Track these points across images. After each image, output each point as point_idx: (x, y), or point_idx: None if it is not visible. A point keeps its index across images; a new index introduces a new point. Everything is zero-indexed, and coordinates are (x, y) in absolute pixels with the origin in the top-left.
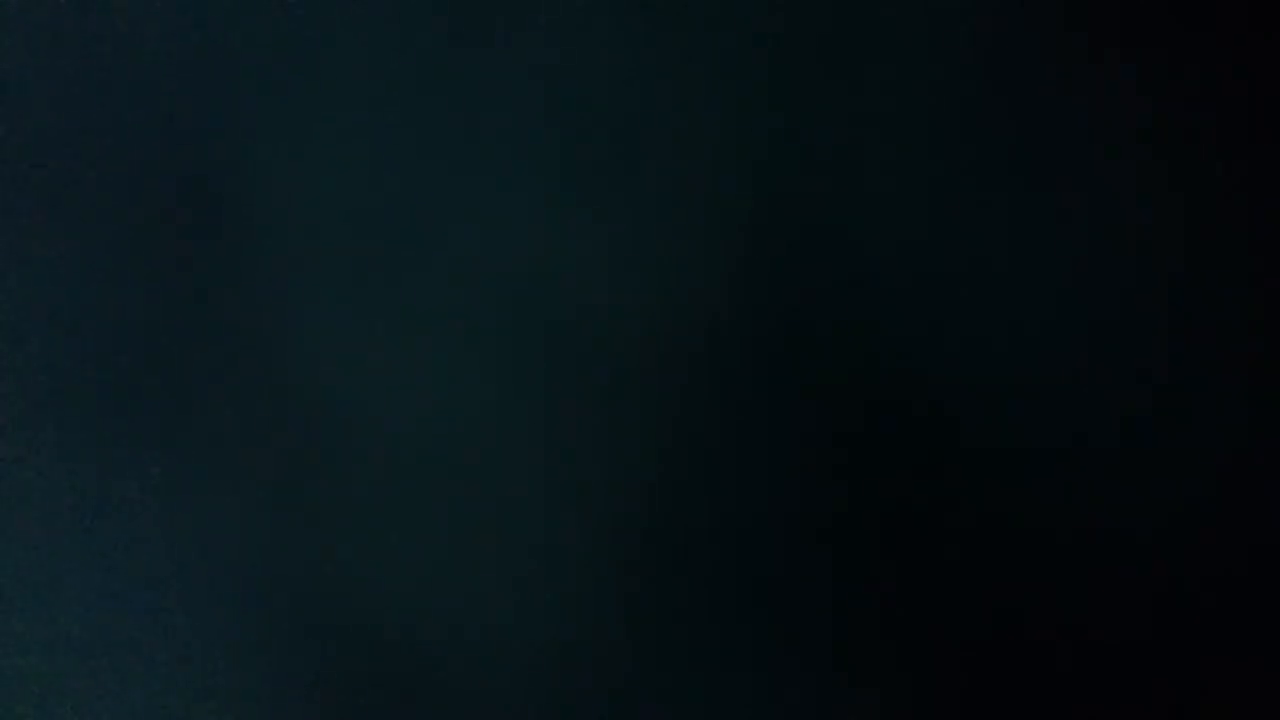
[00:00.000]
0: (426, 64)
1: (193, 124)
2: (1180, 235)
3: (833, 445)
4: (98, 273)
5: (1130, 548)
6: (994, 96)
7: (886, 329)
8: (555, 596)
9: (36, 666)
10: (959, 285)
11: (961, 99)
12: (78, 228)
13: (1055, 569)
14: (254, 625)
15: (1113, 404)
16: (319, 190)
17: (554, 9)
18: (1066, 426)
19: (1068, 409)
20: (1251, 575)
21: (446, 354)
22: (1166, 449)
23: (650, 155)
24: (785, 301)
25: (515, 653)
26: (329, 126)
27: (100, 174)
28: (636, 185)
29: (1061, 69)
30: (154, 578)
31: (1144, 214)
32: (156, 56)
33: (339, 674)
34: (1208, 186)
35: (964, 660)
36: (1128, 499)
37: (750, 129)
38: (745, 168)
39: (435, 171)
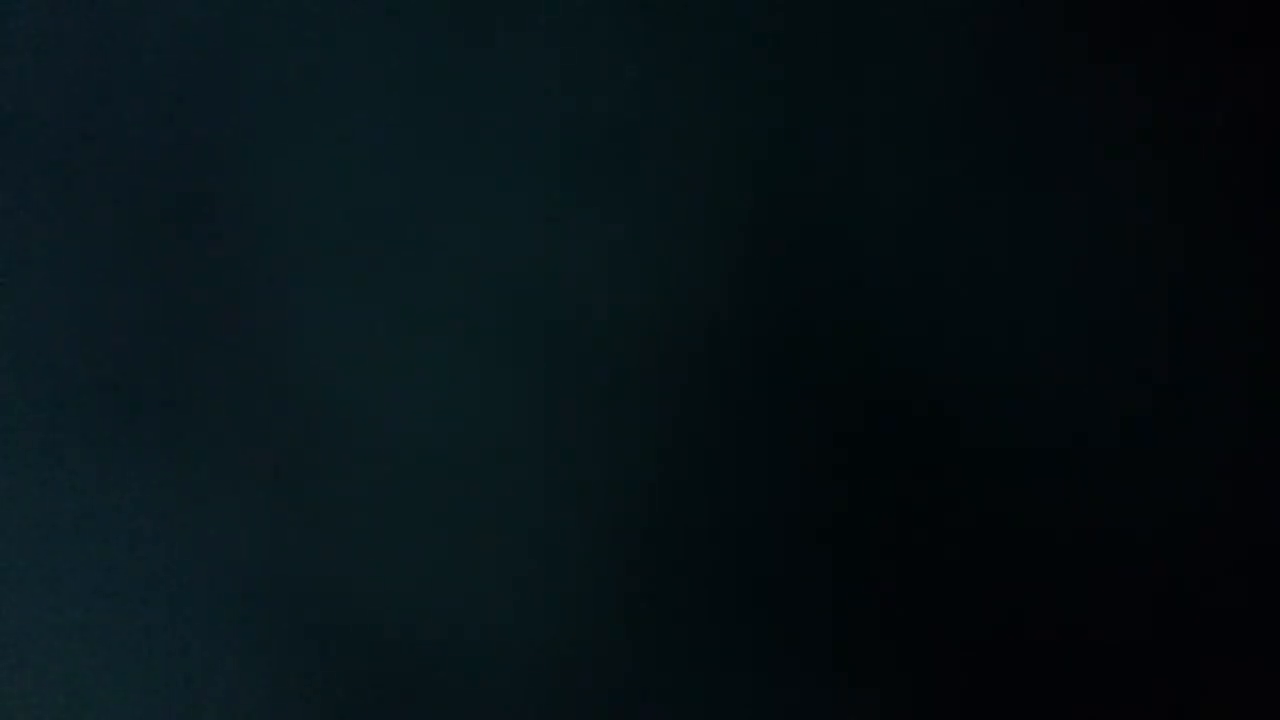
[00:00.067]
0: (427, 64)
1: (193, 124)
2: (1180, 235)
3: (833, 445)
4: (98, 273)
5: (1130, 548)
6: (994, 96)
7: (886, 329)
8: (555, 596)
9: (37, 666)
10: (959, 285)
11: (961, 99)
12: (78, 228)
13: (1055, 569)
14: (254, 625)
15: (1113, 404)
16: (319, 190)
17: (554, 9)
18: (1066, 426)
19: (1068, 409)
20: (1251, 575)
21: (447, 354)
22: (1166, 449)
23: (650, 155)
24: (785, 302)
25: (515, 653)
26: (329, 126)
27: (100, 174)
28: (636, 185)
29: (1061, 69)
30: (154, 578)
31: (1144, 214)
32: (156, 56)
33: (339, 674)
34: (1208, 186)
35: (964, 660)
36: (1128, 499)
37: (750, 129)
38: (745, 168)
39: (435, 171)
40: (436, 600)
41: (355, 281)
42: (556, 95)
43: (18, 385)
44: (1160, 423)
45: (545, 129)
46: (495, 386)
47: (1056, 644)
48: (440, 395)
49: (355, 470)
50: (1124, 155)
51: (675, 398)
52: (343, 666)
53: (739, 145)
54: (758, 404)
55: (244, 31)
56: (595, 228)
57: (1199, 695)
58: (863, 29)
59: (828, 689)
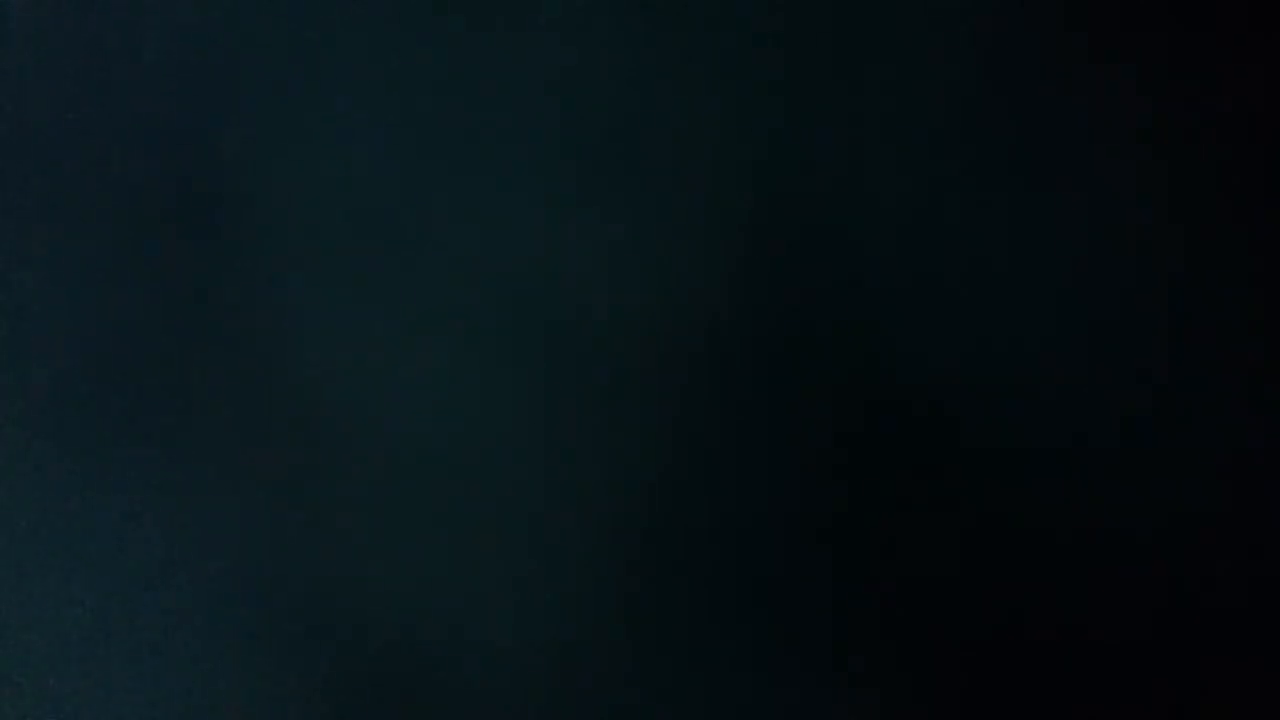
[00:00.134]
0: (427, 64)
1: (193, 124)
2: (1180, 235)
3: (833, 445)
4: (98, 273)
5: (1130, 548)
6: (994, 96)
7: (886, 329)
8: (555, 596)
9: (37, 666)
10: (959, 285)
11: (961, 99)
12: (78, 228)
13: (1055, 569)
14: (254, 625)
15: (1113, 404)
16: (319, 190)
17: (554, 9)
18: (1066, 426)
19: (1068, 409)
20: (1251, 575)
21: (447, 354)
22: (1166, 449)
23: (650, 155)
24: (785, 302)
25: (515, 653)
26: (329, 127)
27: (100, 174)
28: (637, 185)
29: (1061, 69)
30: (154, 578)
31: (1144, 214)
32: (156, 56)
33: (339, 674)
34: (1208, 186)
35: (964, 660)
36: (1128, 499)
37: (750, 129)
38: (745, 168)
39: (436, 171)
40: (436, 600)
41: (355, 281)
42: (556, 95)
43: (18, 385)
44: (1160, 423)
45: (545, 129)
46: (495, 386)
47: (1056, 644)
48: (440, 395)
49: (355, 470)
50: (1124, 155)
51: (675, 398)
52: (343, 666)
53: (739, 145)
54: (758, 404)
55: (244, 31)
56: (595, 228)
57: (1199, 695)
58: (863, 29)
59: (828, 689)
